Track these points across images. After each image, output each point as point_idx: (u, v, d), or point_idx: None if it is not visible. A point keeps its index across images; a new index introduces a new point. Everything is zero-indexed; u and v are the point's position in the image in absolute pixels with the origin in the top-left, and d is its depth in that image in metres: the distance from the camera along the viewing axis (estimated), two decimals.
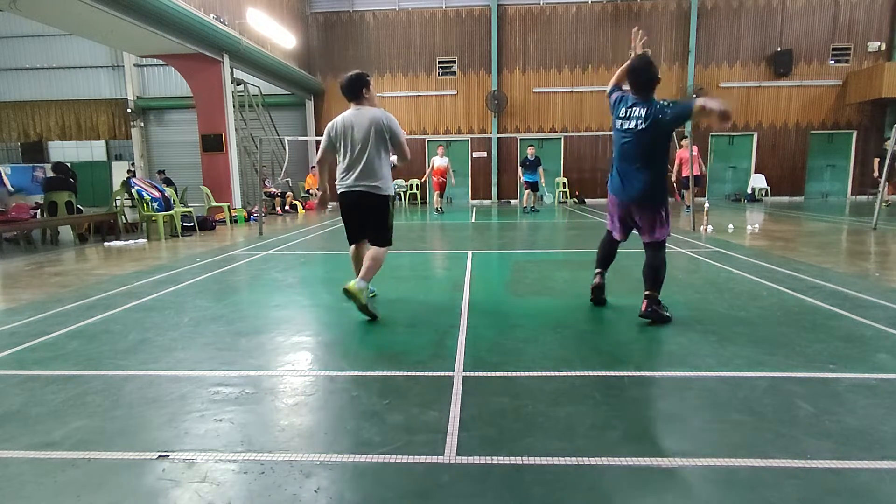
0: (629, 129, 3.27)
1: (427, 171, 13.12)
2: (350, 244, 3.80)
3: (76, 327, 3.39)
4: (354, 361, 2.72)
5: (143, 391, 2.37)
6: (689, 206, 12.47)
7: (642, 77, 3.27)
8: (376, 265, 3.50)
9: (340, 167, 3.62)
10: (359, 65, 16.81)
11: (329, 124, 3.64)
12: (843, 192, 16.77)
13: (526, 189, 12.70)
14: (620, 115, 3.34)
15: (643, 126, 3.19)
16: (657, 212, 3.30)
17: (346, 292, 3.31)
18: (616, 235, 3.60)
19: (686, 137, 12.41)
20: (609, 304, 3.74)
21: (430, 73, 16.89)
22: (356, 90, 3.57)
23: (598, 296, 3.70)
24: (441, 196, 12.89)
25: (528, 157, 12.26)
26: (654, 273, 3.27)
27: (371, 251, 3.56)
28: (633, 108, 3.25)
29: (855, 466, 1.69)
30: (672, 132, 3.40)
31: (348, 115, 3.57)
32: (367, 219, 3.62)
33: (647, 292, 3.26)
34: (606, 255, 3.72)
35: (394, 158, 3.88)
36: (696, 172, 12.00)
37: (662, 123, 3.16)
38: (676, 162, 12.41)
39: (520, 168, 12.94)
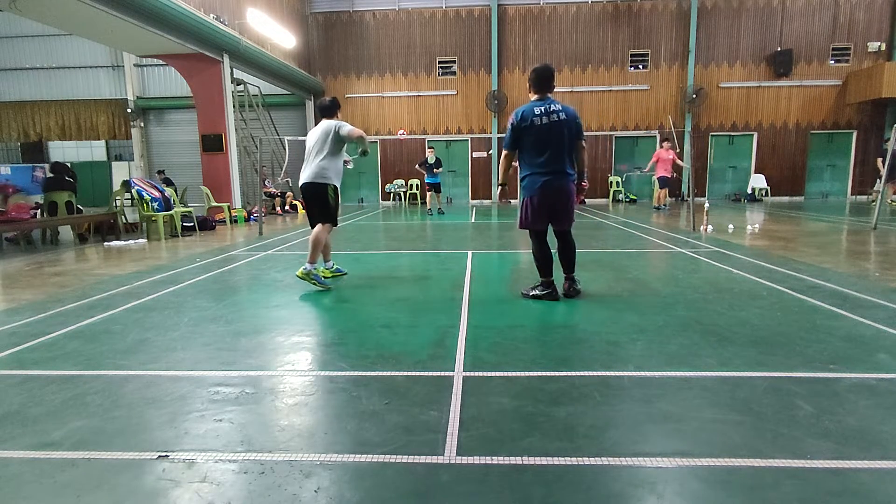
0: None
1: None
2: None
3: (76, 327, 3.39)
4: (354, 361, 2.72)
5: (143, 391, 2.37)
6: (665, 206, 12.61)
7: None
8: None
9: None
10: (359, 64, 16.84)
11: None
12: (843, 192, 16.76)
13: (429, 191, 12.42)
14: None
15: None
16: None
17: None
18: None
19: (667, 140, 12.53)
20: (608, 305, 3.75)
21: (430, 73, 16.88)
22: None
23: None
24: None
25: (428, 159, 11.93)
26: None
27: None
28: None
29: (855, 467, 1.69)
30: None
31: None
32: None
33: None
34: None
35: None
36: (664, 173, 12.15)
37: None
38: (653, 161, 12.58)
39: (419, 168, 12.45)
